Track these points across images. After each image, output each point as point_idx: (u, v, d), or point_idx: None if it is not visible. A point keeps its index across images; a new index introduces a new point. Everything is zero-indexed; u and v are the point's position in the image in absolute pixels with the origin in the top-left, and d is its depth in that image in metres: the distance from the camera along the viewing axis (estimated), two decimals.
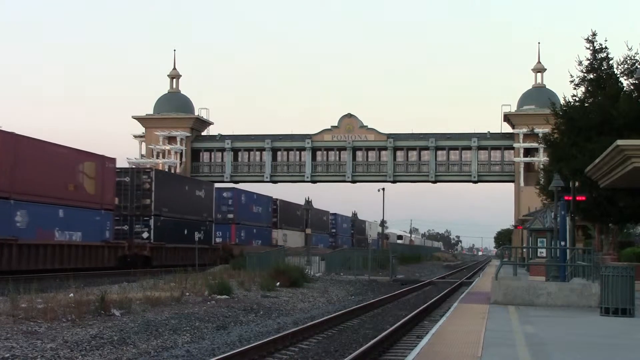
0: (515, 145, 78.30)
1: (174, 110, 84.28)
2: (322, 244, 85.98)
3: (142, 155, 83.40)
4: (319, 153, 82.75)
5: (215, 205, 59.56)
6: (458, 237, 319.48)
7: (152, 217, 48.11)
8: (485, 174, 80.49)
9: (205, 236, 56.03)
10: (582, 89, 36.79)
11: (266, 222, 70.55)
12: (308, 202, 73.95)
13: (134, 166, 47.79)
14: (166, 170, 78.48)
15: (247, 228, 64.73)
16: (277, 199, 74.56)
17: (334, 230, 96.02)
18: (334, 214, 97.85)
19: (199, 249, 50.34)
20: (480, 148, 79.92)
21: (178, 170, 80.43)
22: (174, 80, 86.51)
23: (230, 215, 62.19)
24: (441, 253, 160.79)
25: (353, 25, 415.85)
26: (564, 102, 38.74)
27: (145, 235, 47.83)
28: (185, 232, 52.21)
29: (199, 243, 51.74)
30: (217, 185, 69.80)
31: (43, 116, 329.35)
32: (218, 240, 59.21)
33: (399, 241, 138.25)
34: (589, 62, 36.28)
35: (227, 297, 24.97)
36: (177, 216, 51.25)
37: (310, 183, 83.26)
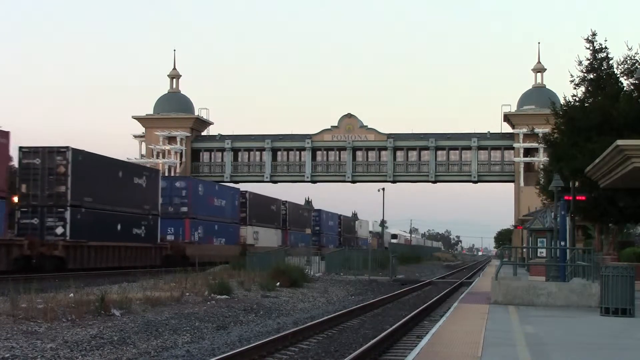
0: (515, 145, 78.30)
1: (174, 110, 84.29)
2: (303, 242, 77.81)
3: (142, 155, 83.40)
4: (319, 153, 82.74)
5: (166, 196, 52.25)
6: (458, 237, 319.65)
7: (69, 208, 38.98)
8: (485, 174, 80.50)
9: (147, 233, 47.24)
10: (582, 89, 36.83)
11: (232, 217, 61.69)
12: (283, 203, 73.90)
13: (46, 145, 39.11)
14: (166, 170, 78.43)
15: (206, 224, 56.12)
16: (245, 191, 66.98)
17: (317, 228, 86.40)
18: (318, 210, 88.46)
19: (138, 249, 45.59)
20: (480, 148, 79.93)
21: (178, 171, 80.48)
22: (174, 80, 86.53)
23: (184, 209, 53.76)
24: (441, 253, 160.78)
25: (353, 26, 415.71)
26: (564, 102, 38.76)
27: (59, 230, 38.75)
28: (119, 227, 44.12)
29: (139, 241, 45.88)
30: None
31: (43, 116, 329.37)
32: (170, 237, 52.08)
33: (394, 240, 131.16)
34: (589, 62, 36.31)
35: (227, 297, 24.97)
36: (107, 208, 42.57)
37: (310, 183, 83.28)
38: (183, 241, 52.55)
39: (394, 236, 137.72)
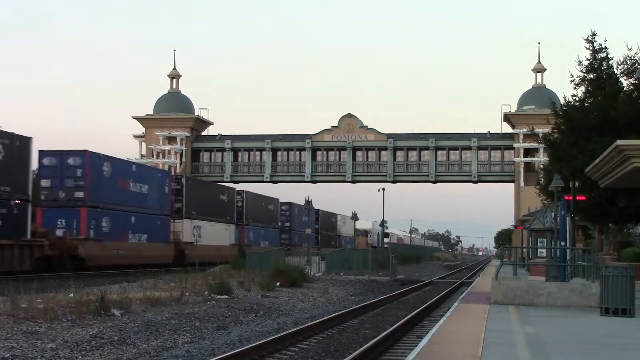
0: (515, 145, 78.29)
1: (174, 110, 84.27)
2: (267, 241, 69.61)
3: (142, 155, 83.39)
4: (319, 153, 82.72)
5: (56, 177, 40.79)
6: (458, 237, 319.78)
7: None
8: (485, 174, 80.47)
9: (5, 225, 34.25)
10: (582, 89, 36.84)
11: (159, 207, 48.84)
12: (239, 193, 63.46)
13: None
14: (166, 170, 78.34)
15: (115, 215, 43.13)
16: (181, 176, 55.56)
17: (287, 225, 77.56)
18: (288, 204, 78.88)
19: None
20: (480, 148, 79.90)
21: (178, 171, 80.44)
22: (174, 80, 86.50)
23: (79, 194, 40.69)
24: (441, 253, 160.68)
25: (353, 26, 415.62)
26: (564, 102, 38.76)
27: None
28: None
29: None
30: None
31: (43, 116, 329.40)
32: (60, 232, 40.04)
33: (385, 240, 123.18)
34: (588, 62, 36.31)
35: (227, 297, 24.97)
36: None
37: (310, 183, 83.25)
38: (76, 237, 40.22)
39: (386, 235, 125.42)
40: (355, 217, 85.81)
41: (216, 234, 57.86)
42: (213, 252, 54.43)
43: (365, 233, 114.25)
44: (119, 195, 43.97)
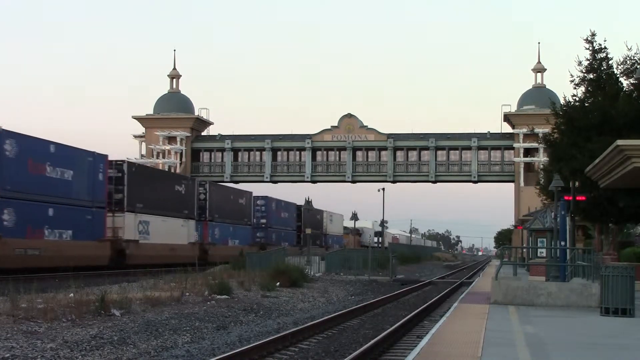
0: (515, 145, 78.32)
1: (174, 110, 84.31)
2: (237, 239, 61.47)
3: (142, 155, 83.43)
4: (319, 153, 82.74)
5: None
6: (458, 237, 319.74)
7: None
8: (485, 174, 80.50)
9: None
10: (582, 89, 36.85)
11: (90, 199, 39.65)
12: (202, 184, 54.65)
13: None
14: (166, 170, 78.31)
15: (23, 206, 34.15)
16: (122, 161, 44.34)
17: (263, 221, 68.58)
18: (264, 198, 70.05)
19: None
20: (480, 148, 79.95)
21: (178, 170, 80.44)
22: (174, 80, 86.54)
23: None
24: (441, 253, 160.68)
25: (353, 26, 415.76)
26: (564, 102, 38.77)
27: None
28: None
29: None
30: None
31: (43, 116, 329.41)
32: None
33: (376, 239, 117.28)
34: (588, 62, 36.33)
35: (227, 297, 24.97)
36: None
37: (310, 183, 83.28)
38: None
39: (379, 233, 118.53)
40: (355, 217, 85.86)
41: (170, 231, 48.76)
42: (165, 251, 46.79)
43: (357, 232, 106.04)
44: (29, 182, 34.77)
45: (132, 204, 43.84)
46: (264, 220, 68.83)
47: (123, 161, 44.80)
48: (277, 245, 62.91)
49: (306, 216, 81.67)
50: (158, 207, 47.35)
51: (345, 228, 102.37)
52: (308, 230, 68.73)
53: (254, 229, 67.14)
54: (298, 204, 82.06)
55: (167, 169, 78.65)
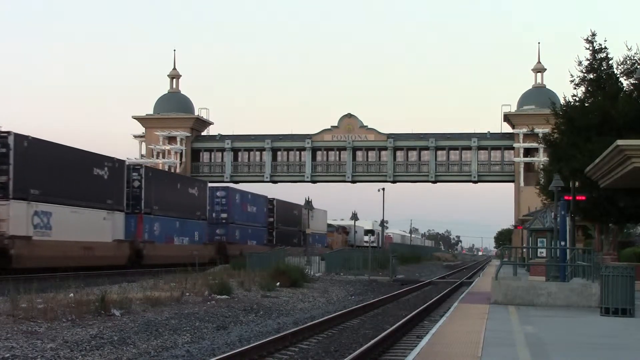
0: (515, 145, 78.31)
1: (174, 110, 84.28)
2: (185, 237, 51.25)
3: (142, 155, 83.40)
4: (319, 153, 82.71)
5: None
6: (458, 237, 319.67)
7: None
8: (485, 174, 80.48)
9: None
10: (582, 89, 36.84)
11: None
12: (136, 168, 45.23)
13: None
14: (166, 170, 78.29)
15: None
16: (7, 133, 33.68)
17: (224, 216, 58.68)
18: (225, 189, 61.39)
19: None
20: (480, 148, 79.92)
21: (178, 170, 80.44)
22: (174, 80, 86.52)
23: None
24: (441, 253, 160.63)
25: (354, 26, 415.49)
26: (564, 102, 38.76)
27: None
28: None
29: None
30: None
31: (43, 116, 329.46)
32: None
33: (367, 238, 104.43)
34: (588, 62, 36.31)
35: (227, 297, 24.98)
36: None
37: (310, 183, 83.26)
38: None
39: (369, 232, 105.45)
40: (355, 217, 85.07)
41: (84, 225, 39.06)
42: (76, 251, 37.69)
43: (343, 230, 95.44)
44: None
45: (24, 189, 34.35)
46: (224, 215, 58.55)
47: (8, 132, 33.75)
48: (242, 245, 58.13)
49: (280, 211, 72.04)
50: (66, 194, 37.60)
51: (329, 226, 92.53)
52: (308, 231, 67.00)
53: (212, 224, 57.17)
54: (270, 197, 71.63)
55: (167, 169, 78.62)
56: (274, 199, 71.84)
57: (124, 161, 45.56)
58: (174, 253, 47.32)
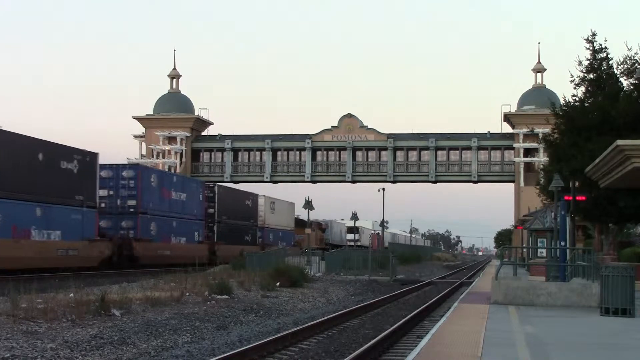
0: (515, 145, 78.34)
1: (174, 110, 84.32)
2: (56, 230, 36.07)
3: (142, 155, 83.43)
4: (319, 153, 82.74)
5: None
6: (458, 237, 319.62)
7: None
8: (485, 174, 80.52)
9: None
10: (582, 89, 36.84)
11: None
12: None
13: None
14: (166, 170, 78.32)
15: None
16: None
17: (132, 203, 44.47)
18: (134, 167, 47.51)
19: None
20: (480, 148, 79.97)
21: (178, 170, 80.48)
22: (174, 80, 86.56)
23: None
24: (441, 253, 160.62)
25: (354, 26, 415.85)
26: (563, 102, 38.75)
27: None
28: None
29: None
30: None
31: (43, 116, 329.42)
32: None
33: (350, 236, 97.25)
34: (588, 62, 36.31)
35: (227, 297, 24.97)
36: None
37: (310, 183, 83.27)
38: None
39: (353, 229, 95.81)
40: (355, 217, 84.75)
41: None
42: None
43: (318, 226, 78.51)
44: None
45: None
46: (132, 202, 44.44)
47: None
48: (162, 243, 46.17)
49: (225, 200, 57.05)
50: (27, 189, 33.50)
51: (301, 221, 74.52)
52: (308, 231, 60.22)
53: (112, 215, 43.85)
54: (211, 183, 60.13)
55: (167, 169, 78.60)
56: (215, 184, 59.33)
57: (96, 154, 40.11)
58: (32, 252, 33.81)
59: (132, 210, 44.60)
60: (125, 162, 64.87)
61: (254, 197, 64.37)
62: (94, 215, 39.88)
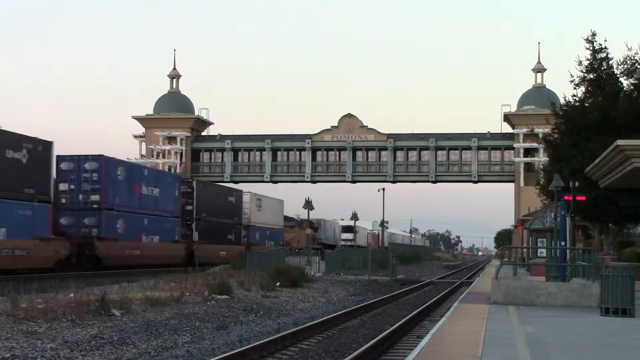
0: (515, 145, 78.36)
1: (174, 110, 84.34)
2: (4, 227, 32.11)
3: (142, 156, 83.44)
4: (319, 153, 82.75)
5: None
6: (458, 237, 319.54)
7: None
8: (485, 174, 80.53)
9: None
10: (582, 89, 36.84)
11: None
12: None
13: None
14: (166, 170, 78.31)
15: None
16: None
17: (95, 198, 40.18)
18: (98, 158, 40.73)
19: None
20: (480, 148, 79.99)
21: (178, 170, 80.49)
22: (174, 80, 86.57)
23: None
24: (441, 253, 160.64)
25: (354, 26, 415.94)
26: (564, 102, 38.76)
27: None
28: None
29: None
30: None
31: (43, 116, 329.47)
32: None
33: (345, 236, 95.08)
34: (588, 62, 36.32)
35: (227, 297, 24.97)
36: None
37: (310, 183, 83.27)
38: None
39: (349, 229, 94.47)
40: (355, 217, 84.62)
41: None
42: None
43: (310, 225, 71.29)
44: None
45: None
46: (96, 197, 40.17)
47: None
48: (131, 242, 42.13)
49: (206, 196, 52.48)
50: None
51: (290, 219, 75.78)
52: (308, 231, 66.35)
53: (73, 211, 39.88)
54: (189, 177, 55.91)
55: (167, 169, 78.59)
56: (193, 179, 55.53)
57: (50, 143, 35.72)
58: None
59: (95, 206, 40.10)
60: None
61: (238, 193, 60.24)
62: (47, 210, 35.23)
